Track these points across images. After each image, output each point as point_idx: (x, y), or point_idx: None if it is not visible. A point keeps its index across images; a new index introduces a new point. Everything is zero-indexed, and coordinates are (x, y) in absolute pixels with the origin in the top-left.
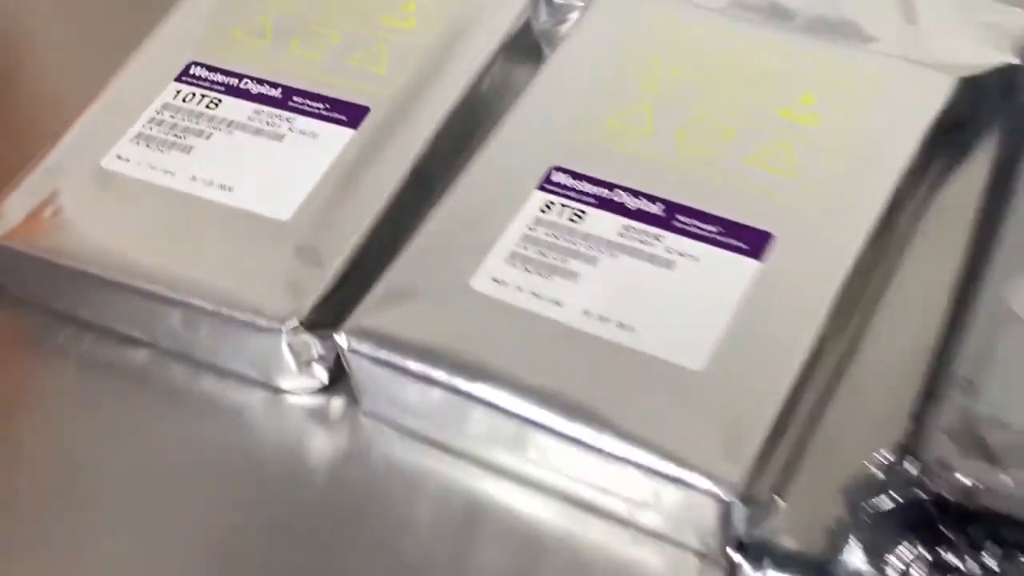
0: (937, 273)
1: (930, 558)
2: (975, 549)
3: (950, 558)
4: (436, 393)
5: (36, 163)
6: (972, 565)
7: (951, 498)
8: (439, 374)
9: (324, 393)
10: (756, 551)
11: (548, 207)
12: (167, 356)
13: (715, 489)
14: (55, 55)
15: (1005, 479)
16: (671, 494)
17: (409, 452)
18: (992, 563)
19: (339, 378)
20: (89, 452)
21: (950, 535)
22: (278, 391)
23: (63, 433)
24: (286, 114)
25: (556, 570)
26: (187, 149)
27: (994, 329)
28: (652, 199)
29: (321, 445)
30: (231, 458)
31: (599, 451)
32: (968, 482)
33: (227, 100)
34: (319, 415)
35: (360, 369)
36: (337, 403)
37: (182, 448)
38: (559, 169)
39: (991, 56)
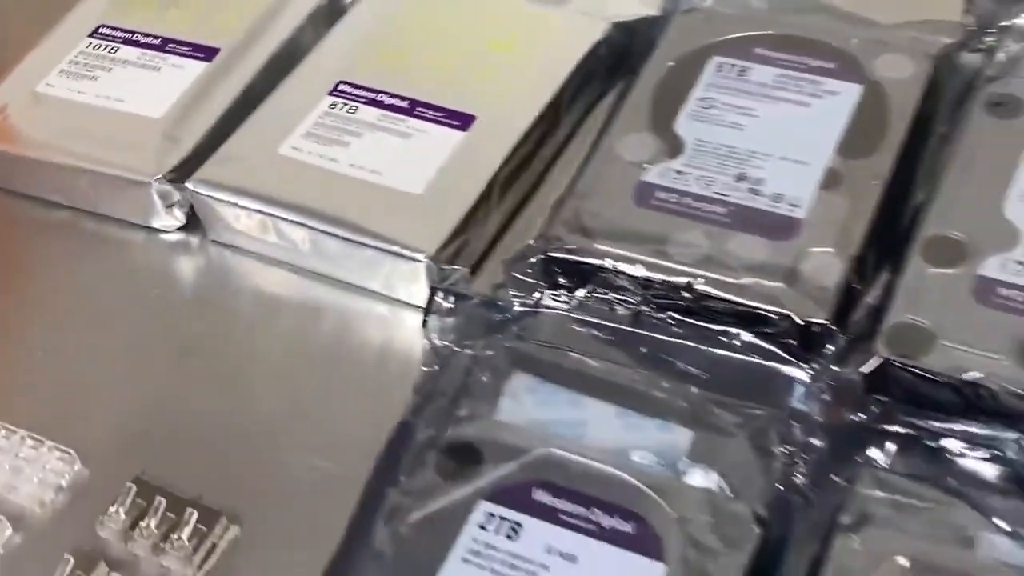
0: (592, 138)
1: (551, 295)
2: (578, 287)
3: (563, 295)
4: (254, 219)
5: None
6: (574, 300)
7: (562, 256)
8: (255, 205)
9: (184, 230)
10: (445, 294)
11: (333, 105)
12: (80, 213)
13: (417, 256)
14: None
15: (596, 246)
16: (396, 264)
17: (240, 262)
18: (577, 299)
19: (194, 220)
20: (27, 283)
21: (566, 281)
22: (154, 231)
23: (8, 270)
24: (162, 55)
25: (328, 323)
26: (95, 79)
27: (604, 165)
28: (403, 98)
29: (184, 264)
30: (125, 277)
31: (355, 243)
32: (571, 246)
33: (123, 48)
34: (182, 245)
35: (204, 208)
36: (194, 237)
37: (92, 272)
38: (344, 82)
39: (640, 9)
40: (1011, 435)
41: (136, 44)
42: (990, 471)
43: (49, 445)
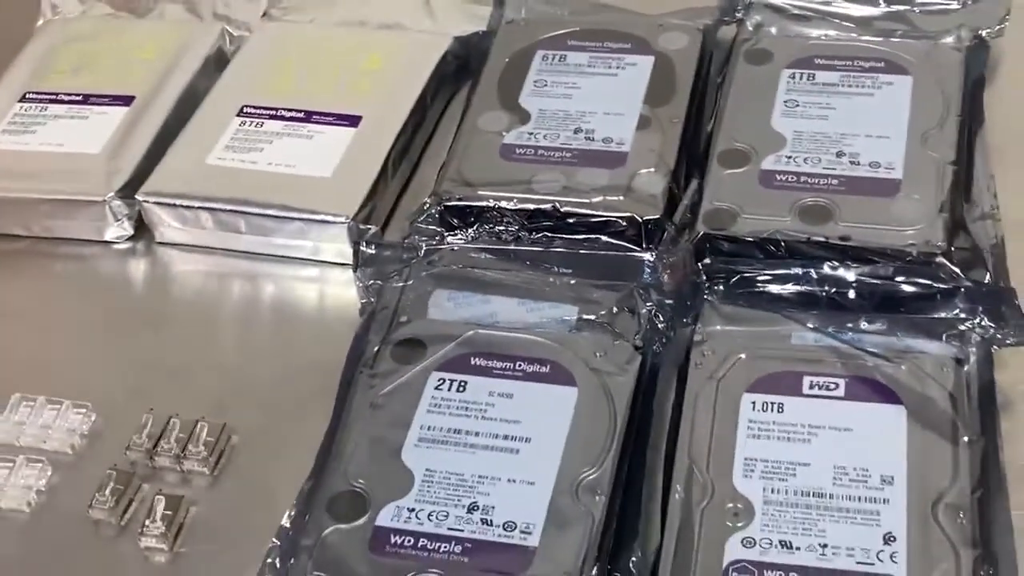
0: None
1: (450, 235)
2: (470, 227)
3: (459, 234)
4: (199, 216)
5: None
6: (468, 236)
7: (454, 204)
8: (199, 203)
9: (132, 240)
10: (367, 244)
11: (243, 123)
12: (40, 241)
13: (339, 219)
14: None
15: (479, 192)
16: (322, 229)
17: (186, 255)
18: (470, 235)
19: (139, 230)
20: (9, 296)
21: (456, 223)
22: (107, 243)
23: None
24: (87, 107)
25: (270, 288)
26: (34, 132)
27: (472, 137)
28: (299, 111)
29: (138, 264)
30: (91, 281)
31: (287, 218)
32: (460, 195)
33: (51, 106)
34: (132, 251)
35: (152, 214)
36: (140, 243)
37: (62, 281)
38: (247, 105)
39: (473, 26)
40: (800, 270)
41: (62, 102)
42: (793, 294)
43: (67, 404)
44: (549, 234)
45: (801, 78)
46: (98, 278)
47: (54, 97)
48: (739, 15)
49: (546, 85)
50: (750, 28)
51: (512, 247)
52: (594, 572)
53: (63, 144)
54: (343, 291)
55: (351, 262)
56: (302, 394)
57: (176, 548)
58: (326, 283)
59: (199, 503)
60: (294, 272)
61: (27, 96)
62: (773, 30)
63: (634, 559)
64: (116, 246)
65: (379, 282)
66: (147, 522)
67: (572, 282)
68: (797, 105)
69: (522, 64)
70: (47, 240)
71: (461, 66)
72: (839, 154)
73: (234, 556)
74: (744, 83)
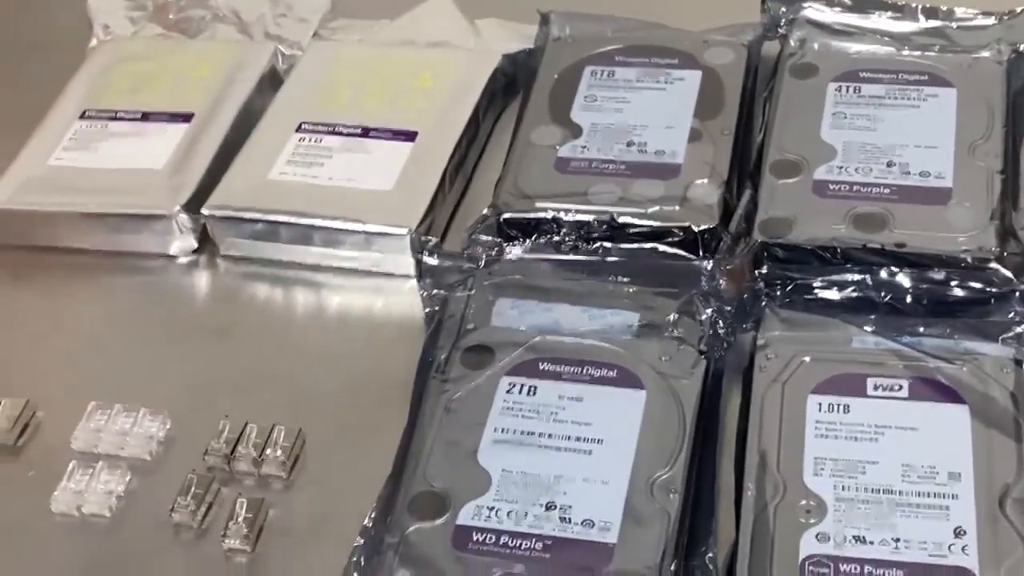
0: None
1: (509, 246)
2: (528, 238)
3: (517, 247)
4: (265, 228)
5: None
6: (527, 246)
7: (513, 216)
8: (266, 216)
9: (196, 253)
10: (430, 254)
11: (302, 140)
12: (104, 255)
13: (402, 231)
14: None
15: (536, 204)
16: (385, 241)
17: (249, 268)
18: (528, 245)
19: (203, 243)
20: (78, 308)
21: (514, 234)
22: (171, 257)
23: (62, 302)
24: (147, 124)
25: (335, 299)
26: (96, 149)
27: (526, 151)
28: (356, 127)
29: (203, 277)
30: (159, 293)
31: (351, 231)
32: (519, 207)
33: (111, 124)
34: (196, 263)
35: (218, 227)
36: (204, 257)
37: (130, 293)
38: (304, 122)
39: (521, 44)
40: (857, 276)
41: (122, 120)
42: (850, 299)
43: (143, 411)
44: (606, 244)
45: (848, 91)
46: (164, 290)
47: (114, 115)
48: (782, 31)
49: (596, 100)
50: (793, 44)
51: (570, 256)
52: (673, 567)
53: (126, 160)
54: (404, 300)
55: (411, 273)
56: (370, 400)
57: (257, 549)
58: (387, 293)
59: (276, 506)
60: (355, 283)
61: (87, 114)
62: (815, 45)
63: (710, 555)
64: (180, 259)
65: (442, 291)
66: (230, 524)
67: (632, 289)
68: (845, 117)
69: (571, 80)
70: (110, 254)
71: (509, 83)
72: (889, 164)
73: (313, 556)
74: (792, 96)
